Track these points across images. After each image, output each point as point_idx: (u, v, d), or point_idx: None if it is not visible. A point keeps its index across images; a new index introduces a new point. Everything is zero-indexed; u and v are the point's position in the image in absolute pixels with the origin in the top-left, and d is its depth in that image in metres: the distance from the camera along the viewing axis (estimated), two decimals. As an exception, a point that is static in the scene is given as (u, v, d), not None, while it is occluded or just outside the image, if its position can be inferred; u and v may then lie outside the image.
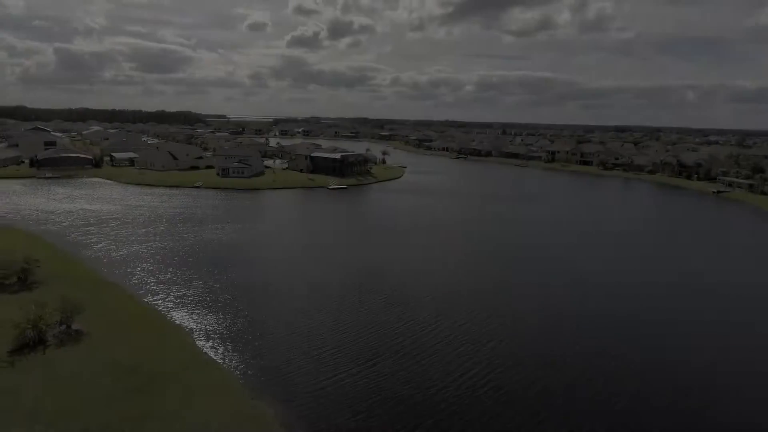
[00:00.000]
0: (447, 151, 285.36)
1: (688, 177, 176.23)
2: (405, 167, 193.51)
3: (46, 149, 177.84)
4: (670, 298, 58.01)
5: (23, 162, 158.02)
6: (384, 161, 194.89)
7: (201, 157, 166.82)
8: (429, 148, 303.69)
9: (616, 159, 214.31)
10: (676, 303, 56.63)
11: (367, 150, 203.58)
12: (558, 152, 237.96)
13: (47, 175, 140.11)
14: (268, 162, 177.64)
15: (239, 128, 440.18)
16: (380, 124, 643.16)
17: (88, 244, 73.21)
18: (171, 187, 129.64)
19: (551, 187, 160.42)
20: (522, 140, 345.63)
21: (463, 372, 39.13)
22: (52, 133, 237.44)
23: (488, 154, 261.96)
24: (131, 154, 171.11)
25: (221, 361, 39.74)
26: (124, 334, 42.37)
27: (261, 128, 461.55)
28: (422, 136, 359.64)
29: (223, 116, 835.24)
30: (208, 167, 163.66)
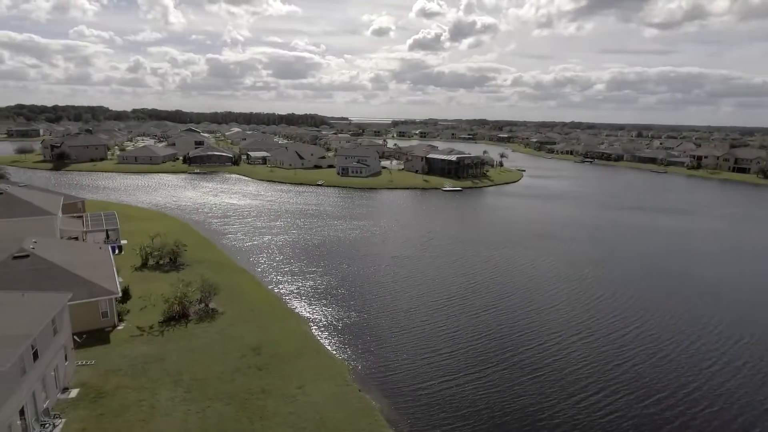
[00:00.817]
0: (571, 154, 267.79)
1: None
2: (524, 170, 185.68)
3: (196, 148, 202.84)
4: None
5: (178, 158, 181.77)
6: (501, 164, 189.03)
7: (324, 157, 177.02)
8: (551, 151, 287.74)
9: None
10: None
11: (484, 152, 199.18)
12: (705, 157, 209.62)
13: (196, 170, 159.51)
14: (385, 162, 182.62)
15: (359, 130, 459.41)
16: (499, 125, 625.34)
17: (226, 233, 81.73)
18: (296, 184, 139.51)
19: (701, 197, 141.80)
20: (661, 143, 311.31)
21: (584, 394, 36.23)
22: (201, 133, 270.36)
23: (619, 158, 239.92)
24: (264, 153, 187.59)
25: (333, 350, 41.61)
26: (250, 315, 46.46)
27: (380, 130, 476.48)
28: (544, 138, 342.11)
29: (345, 118, 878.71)
30: (330, 166, 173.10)
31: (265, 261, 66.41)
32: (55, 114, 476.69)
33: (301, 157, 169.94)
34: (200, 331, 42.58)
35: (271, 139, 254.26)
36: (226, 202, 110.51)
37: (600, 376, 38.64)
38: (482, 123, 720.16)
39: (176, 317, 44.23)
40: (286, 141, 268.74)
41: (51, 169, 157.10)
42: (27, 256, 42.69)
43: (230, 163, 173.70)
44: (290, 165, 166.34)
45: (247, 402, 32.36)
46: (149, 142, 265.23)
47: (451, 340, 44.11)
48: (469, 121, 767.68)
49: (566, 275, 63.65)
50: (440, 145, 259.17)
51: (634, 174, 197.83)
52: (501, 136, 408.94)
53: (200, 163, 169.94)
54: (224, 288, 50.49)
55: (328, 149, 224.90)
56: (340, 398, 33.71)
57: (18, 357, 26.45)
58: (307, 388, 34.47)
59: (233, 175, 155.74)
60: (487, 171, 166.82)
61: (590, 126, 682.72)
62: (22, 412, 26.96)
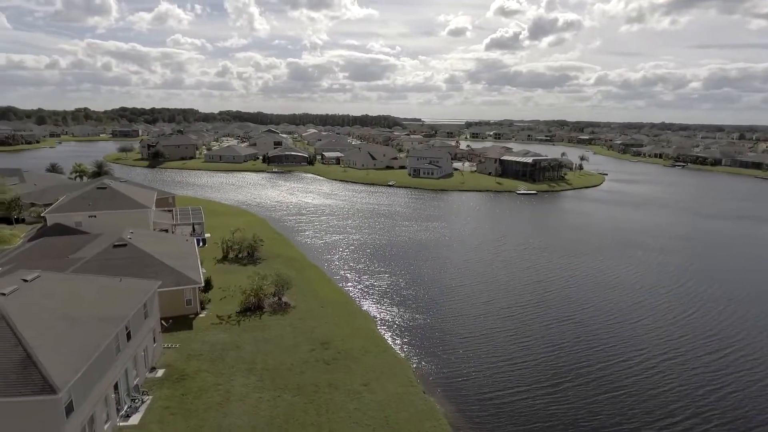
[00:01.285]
0: (660, 157, 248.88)
1: None
2: (605, 174, 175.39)
3: (274, 148, 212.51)
4: None
5: (258, 158, 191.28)
6: (581, 167, 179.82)
7: (395, 158, 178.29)
8: (637, 154, 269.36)
9: None
10: None
11: (563, 155, 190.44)
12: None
13: (274, 169, 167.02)
14: (457, 164, 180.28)
15: (432, 131, 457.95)
16: (579, 127, 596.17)
17: (300, 230, 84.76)
18: (368, 184, 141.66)
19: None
20: None
21: (671, 419, 33.43)
22: (279, 134, 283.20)
23: (716, 162, 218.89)
24: (338, 154, 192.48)
25: (398, 350, 41.66)
26: (320, 311, 47.74)
27: (452, 131, 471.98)
28: (629, 140, 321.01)
29: (418, 120, 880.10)
30: (401, 167, 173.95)
31: (336, 259, 68.02)
32: (152, 116, 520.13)
33: (373, 158, 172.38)
34: (273, 323, 44.39)
35: (345, 140, 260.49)
36: (301, 200, 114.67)
37: (690, 401, 35.42)
38: (561, 124, 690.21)
39: (252, 308, 46.46)
40: (359, 142, 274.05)
41: (147, 166, 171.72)
42: (125, 245, 46.85)
43: (306, 163, 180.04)
44: (362, 165, 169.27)
45: (315, 395, 33.22)
46: (233, 142, 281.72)
47: (523, 350, 42.52)
48: (547, 122, 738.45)
49: (653, 288, 59.13)
50: (515, 146, 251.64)
51: (735, 180, 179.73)
52: (581, 137, 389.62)
53: (278, 163, 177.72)
54: (297, 283, 52.29)
55: (400, 150, 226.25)
56: (404, 398, 33.63)
57: (114, 336, 29.05)
58: (372, 386, 34.75)
59: (308, 175, 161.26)
60: (565, 174, 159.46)
61: (683, 127, 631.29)
62: (116, 387, 29.57)
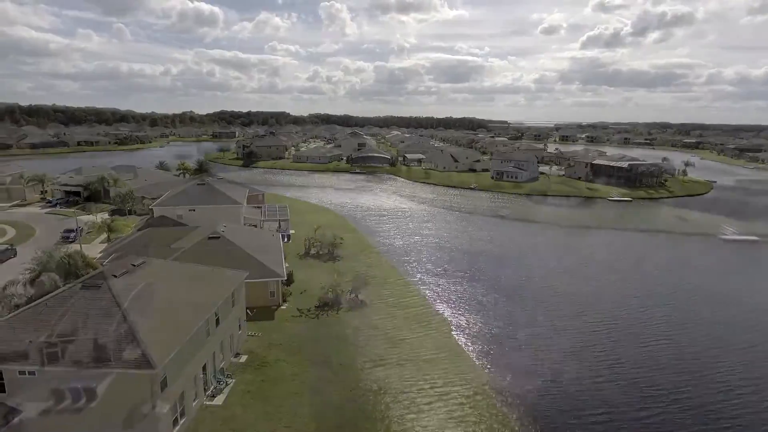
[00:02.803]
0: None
1: None
2: (714, 182, 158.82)
3: (358, 150, 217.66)
4: None
5: (343, 159, 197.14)
6: (685, 173, 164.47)
7: (478, 161, 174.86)
8: (755, 160, 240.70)
9: None
10: None
11: (664, 159, 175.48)
12: None
13: (357, 170, 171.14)
14: (544, 168, 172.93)
15: (518, 133, 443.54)
16: (685, 129, 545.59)
17: (380, 231, 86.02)
18: (450, 186, 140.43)
19: None
20: None
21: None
22: (364, 136, 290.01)
23: None
24: (420, 156, 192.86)
25: (473, 356, 40.73)
26: (395, 311, 48.09)
27: (540, 134, 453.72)
28: (746, 144, 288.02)
29: (504, 122, 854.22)
30: (484, 170, 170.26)
31: (414, 261, 68.10)
32: (248, 119, 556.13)
33: (455, 160, 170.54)
34: (349, 319, 45.46)
35: (428, 142, 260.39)
36: (381, 201, 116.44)
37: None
38: (664, 127, 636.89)
39: (330, 304, 47.93)
40: (442, 144, 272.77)
41: (241, 165, 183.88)
42: (218, 237, 50.48)
43: (387, 165, 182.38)
44: (444, 168, 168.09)
45: (386, 394, 33.48)
46: (319, 143, 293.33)
47: (612, 368, 39.64)
48: (647, 125, 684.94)
49: None
50: (609, 150, 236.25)
51: None
52: (687, 141, 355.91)
53: (361, 164, 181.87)
54: (373, 282, 53.10)
55: (484, 153, 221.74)
56: (477, 406, 32.82)
57: (205, 321, 31.39)
58: (444, 390, 34.32)
59: (389, 176, 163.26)
60: (665, 180, 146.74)
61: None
62: (204, 368, 31.93)
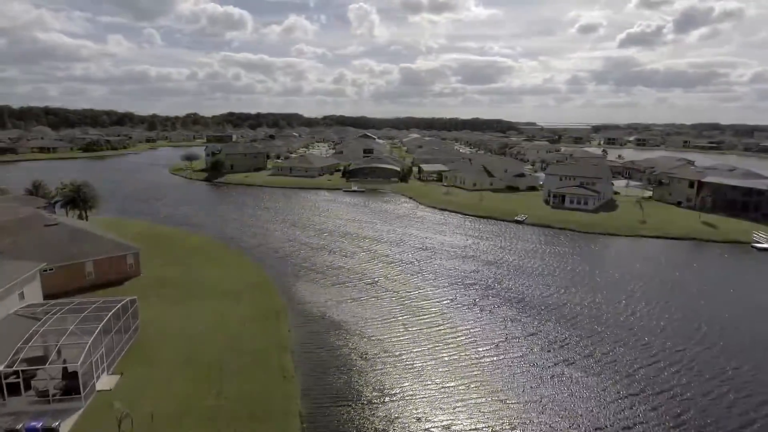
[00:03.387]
0: None
1: None
2: None
3: (364, 157, 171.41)
4: None
5: (339, 170, 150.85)
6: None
7: (522, 175, 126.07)
8: None
9: None
10: None
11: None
12: None
13: (353, 188, 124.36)
14: (617, 185, 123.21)
15: (555, 136, 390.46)
16: (742, 130, 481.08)
17: (355, 322, 39.09)
18: (483, 217, 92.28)
19: None
20: None
21: None
22: (376, 140, 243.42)
23: None
24: (440, 167, 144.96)
25: None
26: None
27: (580, 136, 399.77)
28: None
29: (533, 123, 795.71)
30: (530, 188, 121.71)
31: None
32: (257, 121, 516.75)
33: (490, 174, 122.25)
34: None
35: (451, 147, 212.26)
36: (368, 247, 69.40)
37: None
38: (713, 128, 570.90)
39: None
40: (468, 150, 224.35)
41: (204, 180, 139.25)
42: None
43: (396, 179, 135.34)
44: (474, 184, 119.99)
45: None
46: (323, 147, 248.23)
47: None
48: (694, 126, 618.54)
49: None
50: (667, 154, 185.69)
51: None
52: (765, 145, 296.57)
53: (361, 177, 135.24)
54: None
55: (523, 160, 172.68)
56: None
57: None
58: None
59: (396, 196, 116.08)
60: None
61: None
62: None
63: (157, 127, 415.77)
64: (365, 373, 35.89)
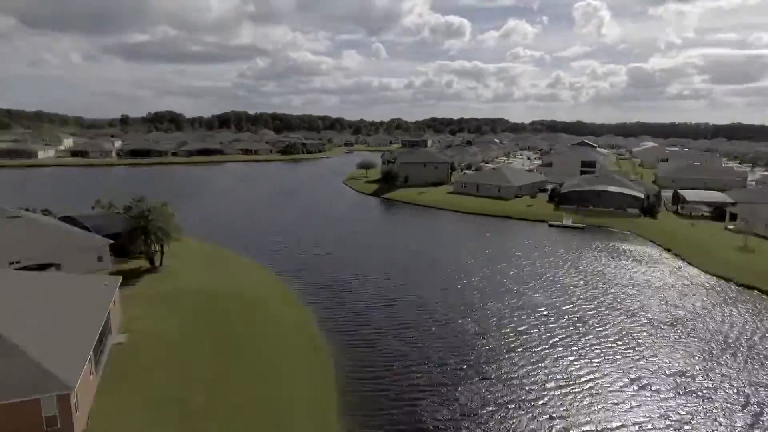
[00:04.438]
0: None
1: None
2: None
3: (581, 173, 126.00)
4: None
5: (545, 190, 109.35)
6: None
7: None
8: None
9: None
10: None
11: None
12: None
13: (568, 221, 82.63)
14: None
15: None
16: None
17: None
18: None
19: None
20: None
21: None
22: (597, 149, 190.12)
23: None
24: (716, 196, 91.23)
25: None
26: None
27: None
28: None
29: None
30: None
31: None
32: (459, 126, 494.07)
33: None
34: None
35: (719, 163, 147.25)
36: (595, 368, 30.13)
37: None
38: None
39: None
40: (741, 166, 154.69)
41: (371, 193, 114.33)
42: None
43: (636, 209, 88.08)
44: (798, 235, 66.01)
45: None
46: (526, 157, 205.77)
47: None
48: None
49: None
50: None
51: None
52: None
53: (578, 204, 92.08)
54: None
55: None
56: None
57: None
58: None
59: (641, 245, 70.49)
60: None
61: None
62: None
63: (362, 131, 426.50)
64: None
